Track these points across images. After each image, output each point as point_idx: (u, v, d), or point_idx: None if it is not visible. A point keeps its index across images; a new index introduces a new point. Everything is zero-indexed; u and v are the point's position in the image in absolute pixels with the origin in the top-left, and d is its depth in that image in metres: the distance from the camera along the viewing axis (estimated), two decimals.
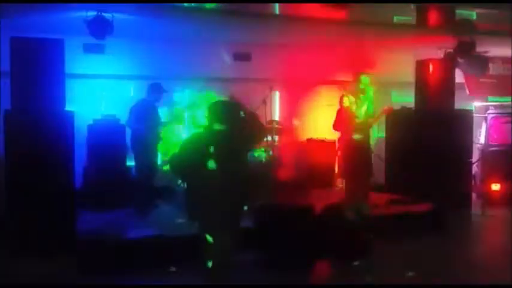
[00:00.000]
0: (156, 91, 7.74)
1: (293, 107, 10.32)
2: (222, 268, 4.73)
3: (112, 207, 7.69)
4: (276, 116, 9.97)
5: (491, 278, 5.94)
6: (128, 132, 7.92)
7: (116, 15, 6.92)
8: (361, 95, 7.65)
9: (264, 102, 8.86)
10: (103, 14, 6.86)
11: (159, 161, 8.35)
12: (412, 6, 8.85)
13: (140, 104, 7.69)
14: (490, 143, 10.46)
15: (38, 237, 6.17)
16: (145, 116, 7.57)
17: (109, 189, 7.81)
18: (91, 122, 8.21)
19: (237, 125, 4.73)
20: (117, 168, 8.13)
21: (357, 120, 7.50)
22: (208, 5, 7.48)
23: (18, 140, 6.26)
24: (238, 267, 5.12)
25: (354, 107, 7.57)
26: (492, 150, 10.35)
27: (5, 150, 6.40)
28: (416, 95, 9.48)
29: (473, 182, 9.87)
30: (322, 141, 9.96)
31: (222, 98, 5.17)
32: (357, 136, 7.48)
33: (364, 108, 7.60)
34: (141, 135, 7.56)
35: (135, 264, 5.93)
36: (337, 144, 8.57)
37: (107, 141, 8.01)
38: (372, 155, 7.96)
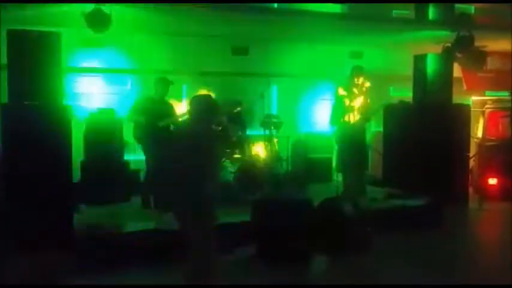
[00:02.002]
0: (164, 85, 7.57)
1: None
2: (198, 267, 4.52)
3: (110, 201, 7.67)
4: (274, 110, 9.96)
5: (490, 273, 5.95)
6: (129, 126, 7.75)
7: (114, 9, 6.90)
8: (357, 89, 7.65)
9: (262, 96, 8.87)
10: (101, 7, 6.84)
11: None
12: None
13: (146, 99, 7.53)
14: (487, 137, 10.48)
15: (36, 231, 6.15)
16: (151, 110, 7.41)
17: (106, 183, 7.80)
18: (88, 115, 8.19)
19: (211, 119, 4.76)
20: (114, 162, 8.12)
21: (354, 115, 7.53)
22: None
23: (15, 134, 6.23)
24: (238, 262, 5.09)
25: (349, 101, 7.58)
26: (489, 145, 10.37)
27: (2, 144, 6.37)
28: (414, 89, 9.47)
29: (470, 176, 9.89)
30: (320, 135, 9.97)
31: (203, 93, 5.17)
32: (352, 130, 7.51)
33: (360, 102, 7.60)
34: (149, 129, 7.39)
35: (134, 258, 5.91)
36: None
37: (104, 134, 7.98)
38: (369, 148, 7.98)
